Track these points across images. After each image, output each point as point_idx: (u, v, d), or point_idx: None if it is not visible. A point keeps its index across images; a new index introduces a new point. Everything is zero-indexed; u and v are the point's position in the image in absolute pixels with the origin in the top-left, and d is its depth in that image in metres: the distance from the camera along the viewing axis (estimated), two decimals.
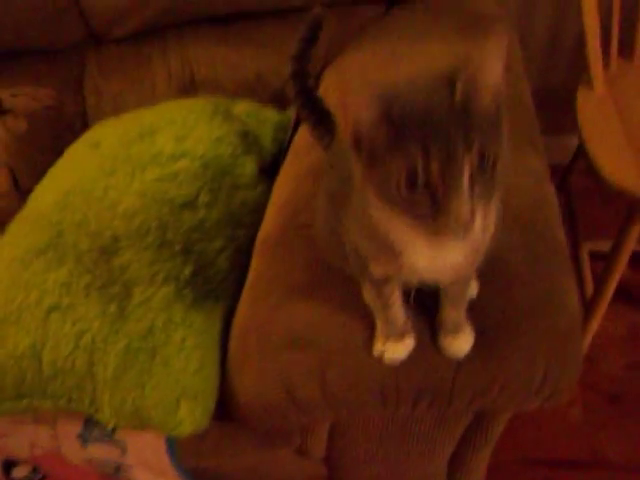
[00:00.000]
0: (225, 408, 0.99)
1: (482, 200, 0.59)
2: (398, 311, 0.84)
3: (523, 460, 1.48)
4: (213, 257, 1.09)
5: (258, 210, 1.15)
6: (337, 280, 0.93)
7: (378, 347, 0.87)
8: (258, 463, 1.21)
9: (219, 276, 1.08)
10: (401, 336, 0.86)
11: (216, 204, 1.14)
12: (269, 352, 0.94)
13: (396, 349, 0.86)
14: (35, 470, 1.18)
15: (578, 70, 1.49)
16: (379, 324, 0.87)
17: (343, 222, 0.78)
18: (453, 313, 0.84)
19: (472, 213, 0.58)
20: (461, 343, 0.85)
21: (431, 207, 0.59)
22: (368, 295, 0.88)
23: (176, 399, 0.96)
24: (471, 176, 0.58)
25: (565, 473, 1.47)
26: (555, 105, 1.69)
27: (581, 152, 1.66)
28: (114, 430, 1.04)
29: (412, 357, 0.87)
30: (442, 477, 1.22)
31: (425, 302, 0.88)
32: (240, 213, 1.15)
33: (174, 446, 1.07)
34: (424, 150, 0.57)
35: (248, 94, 1.42)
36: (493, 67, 0.58)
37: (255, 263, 1.06)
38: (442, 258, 0.70)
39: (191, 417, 0.96)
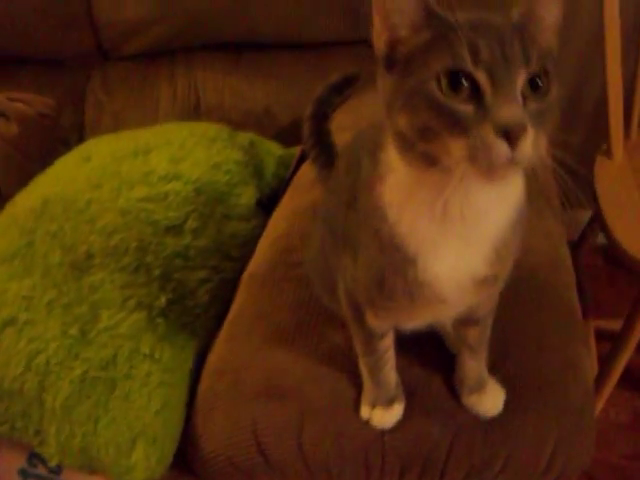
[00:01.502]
0: (185, 457, 0.90)
1: (533, 130, 0.50)
2: (390, 373, 0.78)
3: None
4: (194, 287, 1.01)
5: (249, 244, 1.09)
6: (325, 325, 0.87)
7: (365, 412, 0.80)
8: None
9: (198, 309, 1.00)
10: (390, 402, 0.79)
11: (204, 232, 1.06)
12: (242, 399, 0.85)
13: (384, 417, 0.79)
14: None
15: (591, 144, 1.44)
16: (367, 386, 0.80)
17: (341, 258, 0.71)
18: (473, 363, 0.78)
19: (524, 129, 0.49)
20: (490, 400, 0.79)
21: (476, 114, 0.50)
22: (360, 355, 0.80)
23: (132, 439, 0.87)
24: (523, 94, 0.50)
25: None
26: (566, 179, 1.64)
27: (591, 227, 1.61)
28: (60, 469, 0.95)
29: (402, 420, 0.79)
30: None
31: (420, 357, 0.82)
32: (229, 244, 1.08)
33: None
34: (473, 48, 0.50)
35: (254, 126, 1.38)
36: (553, 7, 0.55)
37: (239, 298, 0.99)
38: (464, 262, 0.61)
39: (146, 462, 0.87)
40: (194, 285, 1.01)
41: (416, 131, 0.52)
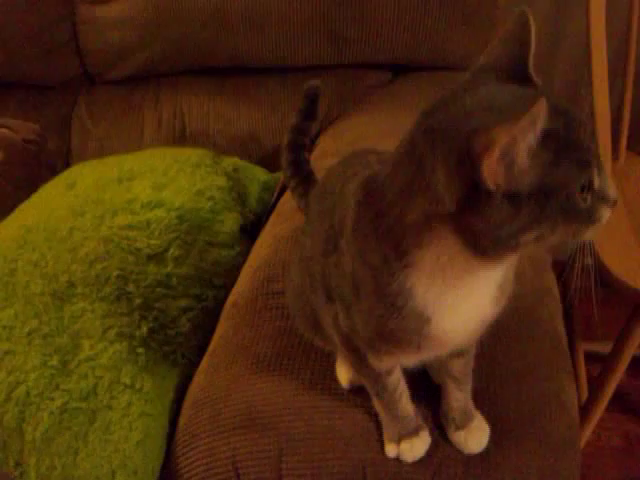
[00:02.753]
0: None
1: None
2: (407, 405, 0.76)
3: None
4: (175, 316, 1.00)
5: (233, 271, 1.08)
6: (306, 355, 0.86)
7: (391, 449, 0.77)
8: None
9: (180, 338, 0.98)
10: (415, 431, 0.76)
11: (186, 260, 1.05)
12: (222, 430, 0.84)
13: (414, 447, 0.77)
14: None
15: None
16: (387, 423, 0.78)
17: (326, 304, 0.71)
18: (460, 395, 0.77)
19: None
20: (476, 437, 0.77)
21: (592, 201, 0.55)
22: (373, 395, 0.77)
23: (111, 471, 0.86)
24: None
25: None
26: None
27: (581, 248, 1.60)
28: None
29: (383, 455, 0.77)
30: None
31: None
32: (212, 272, 1.07)
33: None
34: (589, 149, 0.54)
35: (240, 151, 1.38)
36: None
37: (221, 328, 0.97)
38: (476, 311, 0.62)
39: None
40: (176, 314, 1.00)
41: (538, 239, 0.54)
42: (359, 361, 0.71)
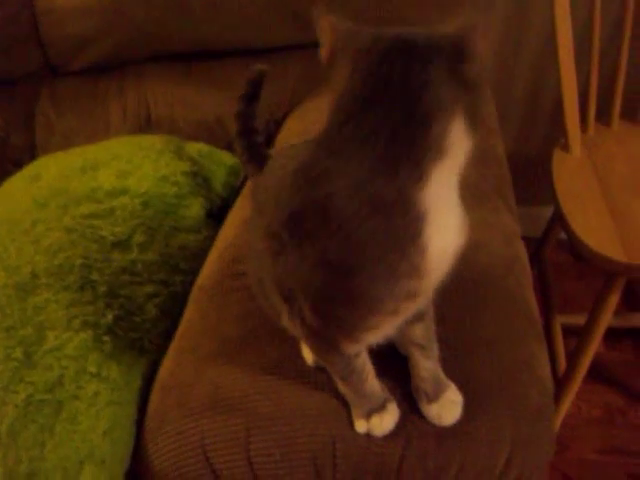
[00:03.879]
0: (136, 477, 0.87)
1: None
2: (374, 382, 0.75)
3: None
4: (142, 303, 0.98)
5: (200, 255, 1.07)
6: (272, 335, 0.84)
7: (361, 426, 0.77)
8: None
9: (146, 324, 0.97)
10: (384, 406, 0.76)
11: (152, 245, 1.04)
12: (190, 414, 0.82)
13: (383, 421, 0.76)
14: None
15: (550, 142, 1.45)
16: (354, 402, 0.77)
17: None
18: (428, 364, 0.76)
19: None
20: (449, 409, 0.76)
21: None
22: (339, 379, 0.77)
23: (79, 462, 0.84)
24: None
25: None
26: (528, 176, 1.64)
27: (554, 223, 1.60)
28: None
29: (352, 431, 0.77)
30: None
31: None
32: (178, 257, 1.05)
33: None
34: None
35: (206, 136, 1.35)
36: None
37: (188, 312, 0.96)
38: (453, 232, 0.60)
39: None
40: (142, 300, 0.98)
41: None
42: (328, 349, 0.70)
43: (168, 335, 0.96)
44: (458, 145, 0.56)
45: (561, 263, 1.76)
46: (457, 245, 0.61)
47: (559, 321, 1.53)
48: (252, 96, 0.89)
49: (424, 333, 0.74)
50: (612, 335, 1.53)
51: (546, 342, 0.88)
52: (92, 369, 0.89)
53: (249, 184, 1.14)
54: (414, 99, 0.54)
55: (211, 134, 1.36)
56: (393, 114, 0.54)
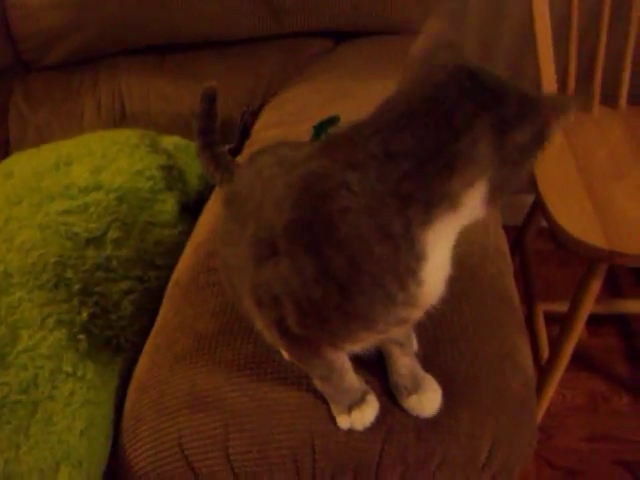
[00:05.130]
0: (115, 477, 0.86)
1: None
2: (352, 377, 0.75)
3: None
4: (117, 300, 0.97)
5: (176, 250, 1.05)
6: (248, 330, 0.82)
7: (343, 421, 0.76)
8: None
9: (122, 321, 0.95)
10: (363, 398, 0.75)
11: (127, 241, 1.02)
12: (166, 412, 0.81)
13: (365, 414, 0.75)
14: None
15: None
16: (334, 398, 0.76)
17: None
18: (406, 360, 0.75)
19: None
20: (429, 400, 0.75)
21: None
22: (318, 379, 0.76)
23: (55, 464, 0.83)
24: None
25: None
26: None
27: (535, 211, 1.60)
28: None
29: (331, 426, 0.76)
30: None
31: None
32: (154, 252, 1.04)
33: None
34: None
35: (182, 129, 1.33)
36: None
37: (163, 308, 0.95)
38: (447, 263, 0.62)
39: None
40: (117, 297, 0.97)
41: None
42: (309, 355, 0.70)
43: (144, 333, 0.94)
44: (471, 207, 0.56)
45: (542, 251, 1.75)
46: (446, 276, 0.62)
47: (541, 309, 1.53)
48: (208, 112, 0.94)
49: (404, 331, 0.73)
50: (594, 322, 1.53)
51: (528, 330, 0.88)
52: (67, 368, 0.88)
53: (218, 190, 1.13)
54: (450, 137, 0.53)
55: (187, 127, 1.32)
56: (424, 143, 0.53)
